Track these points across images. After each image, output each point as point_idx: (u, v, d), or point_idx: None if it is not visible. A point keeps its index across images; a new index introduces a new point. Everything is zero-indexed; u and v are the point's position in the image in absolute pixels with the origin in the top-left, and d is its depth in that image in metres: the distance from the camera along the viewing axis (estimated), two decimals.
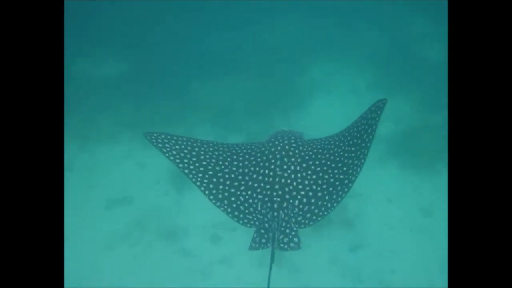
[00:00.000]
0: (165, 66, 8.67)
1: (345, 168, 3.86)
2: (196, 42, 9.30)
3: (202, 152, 4.20)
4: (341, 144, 4.07)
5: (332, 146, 4.15)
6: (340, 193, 3.77)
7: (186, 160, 4.09)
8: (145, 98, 7.68)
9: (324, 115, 7.01)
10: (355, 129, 3.96)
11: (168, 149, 4.11)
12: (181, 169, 4.06)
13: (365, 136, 3.77)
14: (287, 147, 4.27)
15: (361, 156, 3.76)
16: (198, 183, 4.03)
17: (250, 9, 9.71)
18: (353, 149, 3.88)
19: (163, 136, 4.19)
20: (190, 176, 4.06)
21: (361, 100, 7.19)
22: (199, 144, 4.30)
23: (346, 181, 3.79)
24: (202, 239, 5.37)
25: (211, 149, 4.30)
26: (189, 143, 4.24)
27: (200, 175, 4.03)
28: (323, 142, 4.35)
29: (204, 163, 4.12)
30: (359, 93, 7.65)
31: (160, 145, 4.12)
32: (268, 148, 4.35)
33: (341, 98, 7.64)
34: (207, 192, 4.00)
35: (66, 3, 4.17)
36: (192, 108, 7.48)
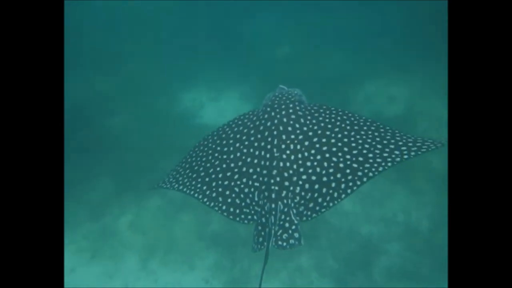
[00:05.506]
0: None
1: (360, 159, 3.42)
2: None
3: (194, 159, 3.94)
4: (362, 132, 3.59)
5: (347, 127, 3.65)
6: (350, 183, 3.33)
7: (188, 182, 3.77)
8: None
9: None
10: (391, 134, 3.53)
11: (170, 182, 3.88)
12: (188, 194, 3.71)
13: (403, 149, 3.39)
14: (285, 119, 3.69)
15: (389, 159, 3.35)
16: (196, 195, 3.64)
17: None
18: (379, 146, 3.46)
19: (165, 181, 3.93)
20: (191, 193, 3.69)
21: None
22: (192, 154, 4.02)
23: (359, 173, 3.36)
24: None
25: (201, 148, 4.00)
26: (184, 165, 4.00)
27: (197, 185, 3.70)
28: (333, 116, 3.75)
29: (196, 168, 3.84)
30: None
31: (163, 184, 3.88)
32: (263, 122, 3.79)
33: None
34: (200, 196, 3.61)
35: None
36: None
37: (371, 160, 3.42)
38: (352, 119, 3.73)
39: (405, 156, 3.35)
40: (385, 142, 3.50)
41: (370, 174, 3.34)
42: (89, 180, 5.89)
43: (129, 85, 7.66)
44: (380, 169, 3.35)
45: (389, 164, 3.34)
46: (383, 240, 5.00)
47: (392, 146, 3.46)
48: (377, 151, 3.45)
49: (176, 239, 5.19)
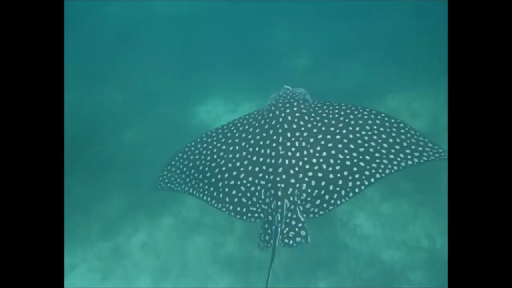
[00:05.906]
0: None
1: (367, 157, 3.40)
2: None
3: (197, 157, 3.92)
4: (367, 127, 3.56)
5: (351, 121, 3.64)
6: (358, 183, 3.31)
7: (196, 184, 3.78)
8: None
9: None
10: (396, 130, 3.55)
11: (180, 183, 3.91)
12: (197, 196, 3.77)
13: (407, 152, 3.40)
14: (289, 117, 3.70)
15: (395, 163, 3.34)
16: (205, 197, 3.69)
17: None
18: (385, 145, 3.45)
19: (166, 175, 4.03)
20: (200, 196, 3.72)
21: None
22: (194, 150, 4.01)
23: (367, 173, 3.32)
24: None
25: (204, 145, 4.02)
26: (186, 159, 4.01)
27: (205, 186, 3.71)
28: (336, 111, 3.76)
29: (201, 168, 3.81)
30: None
31: (173, 186, 3.97)
32: (268, 121, 3.77)
33: None
34: (209, 199, 3.65)
35: None
36: None
37: (377, 160, 3.41)
38: (356, 112, 3.73)
39: (409, 162, 3.40)
40: (390, 140, 3.50)
41: (378, 175, 3.36)
42: (102, 196, 5.78)
43: (144, 97, 7.56)
44: (387, 171, 3.38)
45: (395, 167, 3.37)
46: (406, 267, 4.73)
47: (397, 147, 3.47)
48: (384, 151, 3.45)
49: (189, 262, 5.01)
